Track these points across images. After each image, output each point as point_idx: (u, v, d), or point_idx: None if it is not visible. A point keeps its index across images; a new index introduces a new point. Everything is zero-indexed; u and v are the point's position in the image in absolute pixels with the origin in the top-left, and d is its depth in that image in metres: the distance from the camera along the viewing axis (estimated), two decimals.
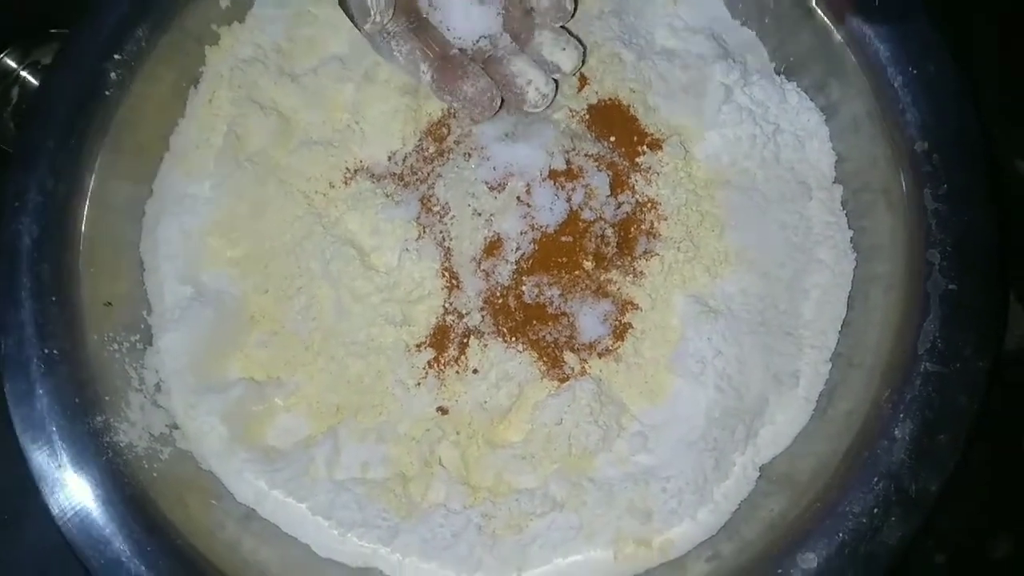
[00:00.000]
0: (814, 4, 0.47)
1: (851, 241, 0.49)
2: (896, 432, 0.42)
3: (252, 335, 0.49)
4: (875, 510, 0.41)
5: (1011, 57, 0.61)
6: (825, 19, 0.47)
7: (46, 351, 0.43)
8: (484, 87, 0.45)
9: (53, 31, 0.59)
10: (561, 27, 0.47)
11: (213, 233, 0.50)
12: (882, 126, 0.46)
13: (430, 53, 0.46)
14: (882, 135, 0.46)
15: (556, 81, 0.47)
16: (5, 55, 0.58)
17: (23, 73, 0.58)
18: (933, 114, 0.45)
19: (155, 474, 0.44)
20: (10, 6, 0.59)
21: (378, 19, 0.44)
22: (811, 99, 0.51)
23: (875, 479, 0.41)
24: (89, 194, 0.47)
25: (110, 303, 0.47)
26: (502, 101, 0.46)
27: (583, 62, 0.48)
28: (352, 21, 0.47)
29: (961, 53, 0.48)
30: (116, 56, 0.48)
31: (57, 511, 0.41)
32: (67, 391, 0.43)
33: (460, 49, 0.46)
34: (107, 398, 0.45)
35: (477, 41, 0.46)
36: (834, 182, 0.50)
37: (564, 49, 0.46)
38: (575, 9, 0.47)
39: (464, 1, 0.45)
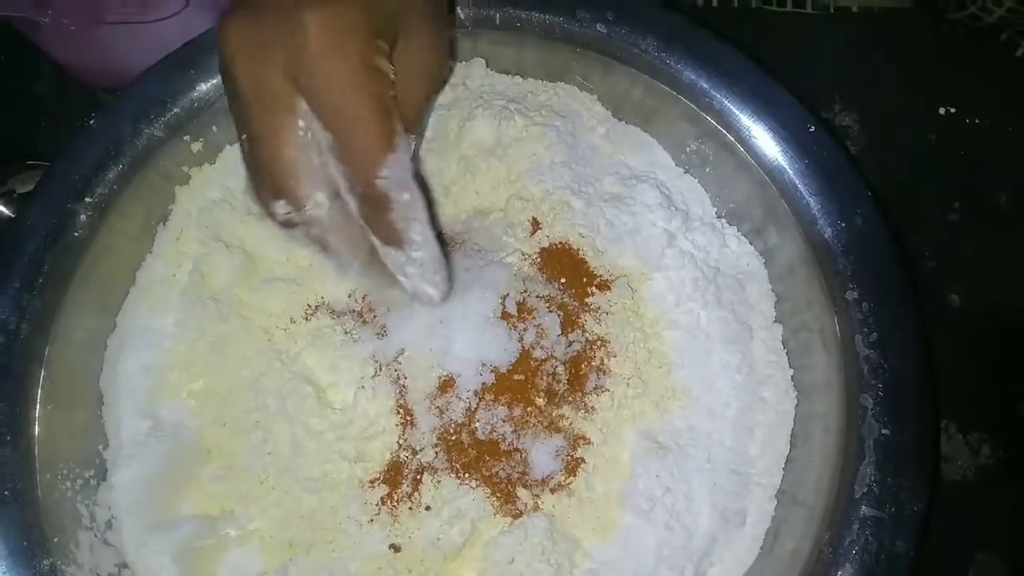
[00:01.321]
0: (749, 158, 0.50)
1: (792, 379, 0.50)
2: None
3: (207, 468, 0.49)
4: None
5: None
6: (760, 172, 0.50)
7: None
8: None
9: (30, 163, 0.61)
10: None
11: (174, 367, 0.50)
12: (816, 272, 0.48)
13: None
14: (816, 280, 0.49)
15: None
16: None
17: None
18: (862, 264, 0.47)
19: None
20: None
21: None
22: (750, 243, 0.53)
23: None
24: (52, 332, 0.47)
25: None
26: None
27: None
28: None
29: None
30: (88, 199, 0.49)
31: None
32: (15, 533, 0.43)
33: None
34: (55, 539, 0.44)
35: None
36: (775, 321, 0.52)
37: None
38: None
39: None
